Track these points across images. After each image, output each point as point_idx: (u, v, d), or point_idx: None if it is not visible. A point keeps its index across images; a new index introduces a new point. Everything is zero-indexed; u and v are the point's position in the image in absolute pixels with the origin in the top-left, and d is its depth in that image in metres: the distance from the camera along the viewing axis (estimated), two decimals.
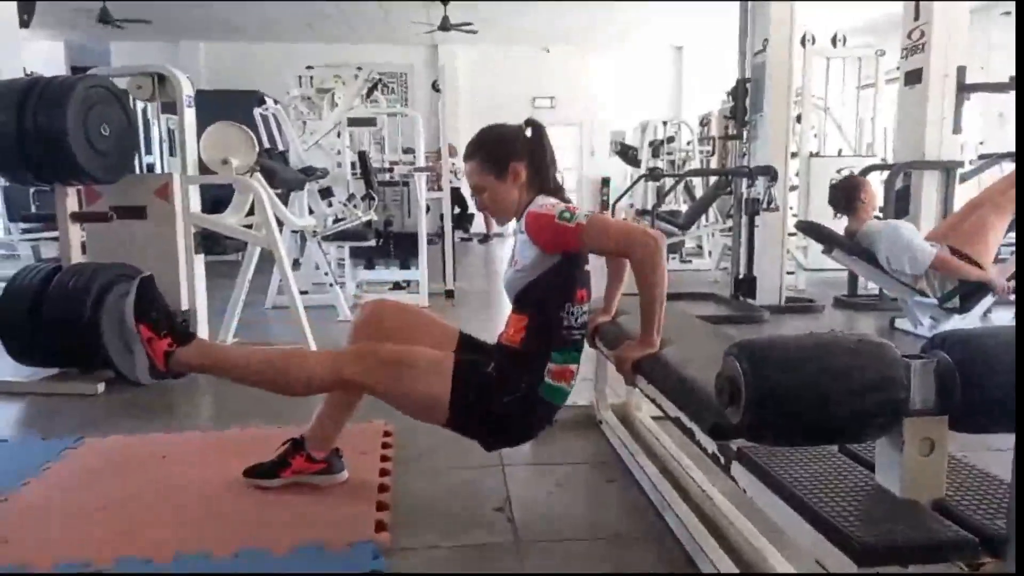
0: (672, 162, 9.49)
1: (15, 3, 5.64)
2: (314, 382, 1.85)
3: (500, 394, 1.80)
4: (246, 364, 1.89)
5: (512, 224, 2.00)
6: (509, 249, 1.97)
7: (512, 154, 1.89)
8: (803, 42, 6.37)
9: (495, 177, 1.90)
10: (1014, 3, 7.16)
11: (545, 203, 1.84)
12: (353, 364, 1.81)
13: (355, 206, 5.47)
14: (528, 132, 1.93)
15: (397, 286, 5.92)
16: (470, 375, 1.80)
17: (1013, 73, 4.21)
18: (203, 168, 3.62)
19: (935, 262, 3.80)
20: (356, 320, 2.04)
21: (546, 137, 1.96)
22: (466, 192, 11.40)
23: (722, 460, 1.33)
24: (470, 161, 1.93)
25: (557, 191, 1.94)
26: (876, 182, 5.12)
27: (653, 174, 7.64)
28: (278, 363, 1.88)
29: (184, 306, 3.36)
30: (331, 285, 4.90)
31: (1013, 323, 3.96)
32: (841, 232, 4.26)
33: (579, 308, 1.88)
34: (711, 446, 1.36)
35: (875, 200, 4.26)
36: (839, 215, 4.34)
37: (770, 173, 4.89)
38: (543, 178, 1.93)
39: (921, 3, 4.59)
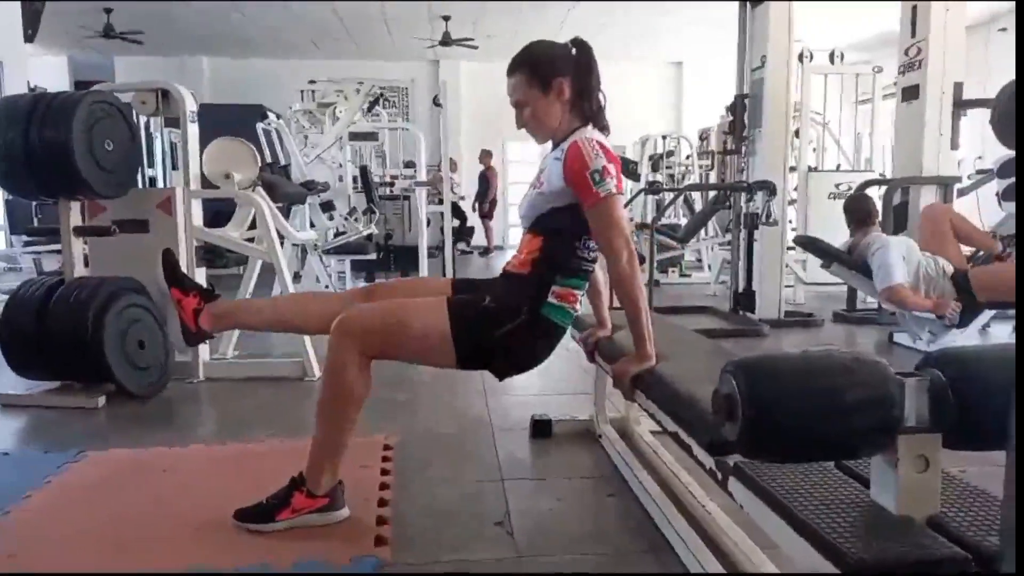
0: (671, 176, 9.54)
1: (19, 18, 5.70)
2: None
3: (502, 323, 1.80)
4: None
5: (544, 148, 2.00)
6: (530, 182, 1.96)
7: (558, 70, 1.88)
8: (801, 58, 6.43)
9: (539, 91, 1.88)
10: (1014, 6, 7.21)
11: (591, 142, 1.80)
12: (349, 325, 1.78)
13: (356, 220, 5.51)
14: (574, 51, 1.92)
15: None
16: (467, 313, 1.80)
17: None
18: (205, 182, 3.64)
19: (885, 292, 3.85)
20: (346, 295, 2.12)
21: (593, 57, 1.93)
22: (465, 206, 11.49)
23: (719, 475, 1.34)
24: (514, 75, 1.91)
25: (599, 113, 1.92)
26: (874, 197, 5.15)
27: (652, 188, 7.66)
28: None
29: None
30: None
31: (1009, 339, 3.98)
32: (838, 246, 4.29)
33: (593, 243, 1.88)
34: (709, 461, 1.37)
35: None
36: (854, 231, 4.25)
37: (769, 187, 4.92)
38: (587, 99, 1.90)
39: (918, 20, 4.64)
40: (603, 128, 1.92)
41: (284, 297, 2.03)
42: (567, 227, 1.85)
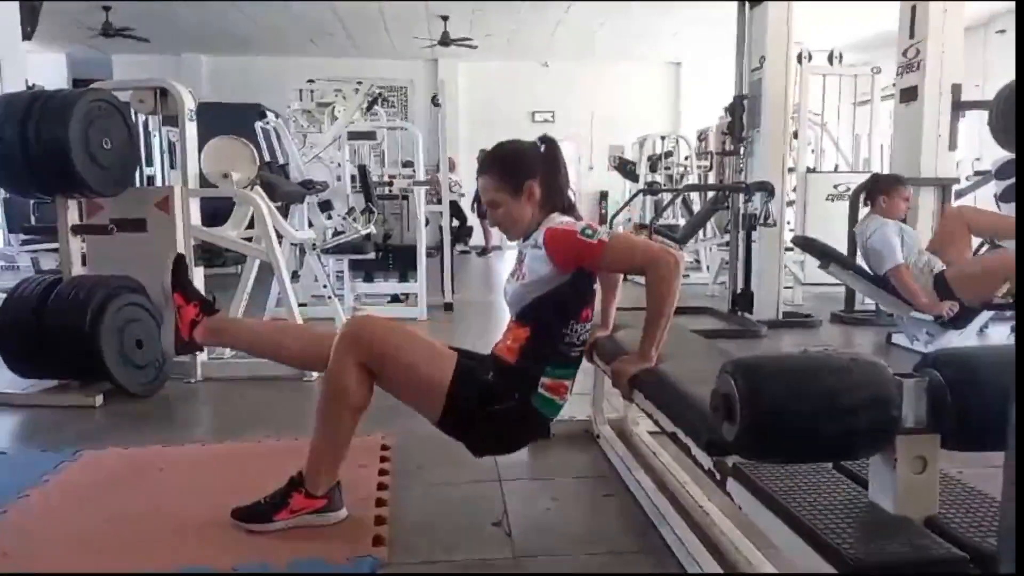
0: (670, 177, 9.54)
1: (18, 16, 5.67)
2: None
3: (496, 402, 1.80)
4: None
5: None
6: (510, 262, 1.98)
7: (528, 173, 1.90)
8: (800, 59, 6.43)
9: (510, 195, 1.90)
10: (1013, 7, 7.20)
11: (563, 220, 1.86)
12: (360, 332, 1.78)
13: (354, 219, 5.49)
14: (542, 149, 1.94)
15: (396, 299, 5.93)
16: (470, 379, 1.80)
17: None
18: (204, 181, 3.64)
19: (891, 271, 3.85)
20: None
21: (560, 154, 1.97)
22: (464, 205, 11.48)
23: (718, 476, 1.34)
24: (485, 176, 1.93)
25: (570, 209, 1.95)
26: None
27: (651, 188, 7.69)
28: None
29: None
30: (330, 298, 4.91)
31: (1007, 340, 3.99)
32: (837, 248, 4.29)
33: (582, 326, 1.90)
34: (707, 462, 1.37)
35: (898, 210, 4.11)
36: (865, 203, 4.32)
37: (767, 188, 4.92)
38: (556, 196, 1.94)
39: (916, 21, 4.64)
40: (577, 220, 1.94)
41: (282, 324, 2.00)
42: (553, 315, 1.86)
